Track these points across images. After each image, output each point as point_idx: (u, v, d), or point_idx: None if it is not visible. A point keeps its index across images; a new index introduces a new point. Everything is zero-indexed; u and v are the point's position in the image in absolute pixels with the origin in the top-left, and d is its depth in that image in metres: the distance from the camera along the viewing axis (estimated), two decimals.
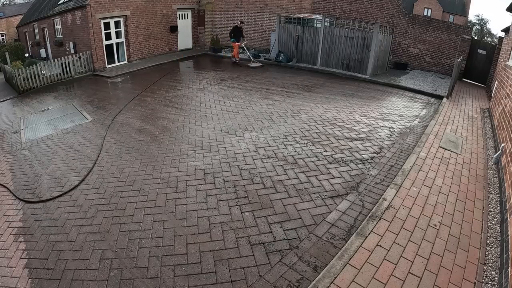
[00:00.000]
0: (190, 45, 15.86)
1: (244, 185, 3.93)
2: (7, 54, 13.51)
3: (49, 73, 10.86)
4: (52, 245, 3.11)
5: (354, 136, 5.51)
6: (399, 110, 7.19)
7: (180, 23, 15.07)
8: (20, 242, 3.22)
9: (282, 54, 12.18)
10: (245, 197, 3.69)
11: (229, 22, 15.30)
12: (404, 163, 4.51)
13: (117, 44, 12.64)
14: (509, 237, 2.89)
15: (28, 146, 5.81)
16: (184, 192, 3.84)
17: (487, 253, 2.93)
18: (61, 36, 13.64)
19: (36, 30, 16.70)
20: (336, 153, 4.83)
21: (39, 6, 17.22)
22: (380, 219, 3.26)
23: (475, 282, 2.57)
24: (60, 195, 3.99)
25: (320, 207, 3.51)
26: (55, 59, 11.18)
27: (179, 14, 14.92)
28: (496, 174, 4.48)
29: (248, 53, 12.42)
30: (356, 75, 10.61)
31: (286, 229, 3.16)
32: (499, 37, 11.76)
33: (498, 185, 4.16)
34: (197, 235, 3.11)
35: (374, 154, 4.84)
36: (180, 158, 4.72)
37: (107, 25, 12.08)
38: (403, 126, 6.12)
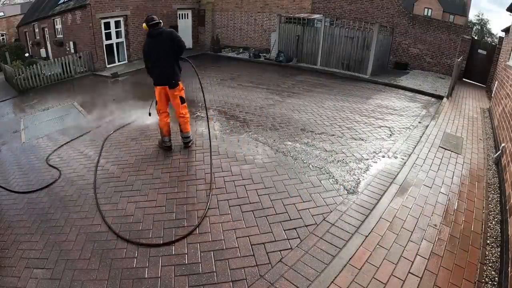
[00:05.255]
0: (190, 45, 15.86)
1: (244, 185, 3.93)
2: (7, 54, 13.52)
3: (49, 73, 10.87)
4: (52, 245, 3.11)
5: (354, 136, 5.51)
6: (399, 110, 7.19)
7: (180, 23, 15.08)
8: (21, 241, 3.22)
9: (282, 54, 12.18)
10: (245, 197, 3.70)
11: (229, 22, 15.30)
12: (404, 163, 4.51)
13: (117, 43, 12.65)
14: (509, 237, 2.89)
15: (28, 146, 5.81)
16: (185, 192, 3.84)
17: (487, 253, 2.93)
18: (61, 36, 13.64)
19: (37, 30, 16.70)
20: (337, 153, 4.84)
21: (39, 6, 17.22)
22: (380, 218, 3.26)
23: (475, 282, 2.57)
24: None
25: (320, 207, 3.51)
26: (55, 59, 11.19)
27: (179, 14, 14.93)
28: (496, 174, 4.47)
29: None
30: (356, 75, 10.61)
31: (286, 229, 3.16)
32: (499, 37, 11.75)
33: (498, 185, 4.16)
34: (197, 235, 3.11)
35: (374, 154, 4.84)
36: (180, 158, 4.71)
37: (107, 25, 12.08)
38: (403, 126, 6.12)
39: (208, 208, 3.46)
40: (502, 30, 10.96)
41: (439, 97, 8.48)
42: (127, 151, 5.02)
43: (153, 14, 4.97)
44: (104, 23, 11.90)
